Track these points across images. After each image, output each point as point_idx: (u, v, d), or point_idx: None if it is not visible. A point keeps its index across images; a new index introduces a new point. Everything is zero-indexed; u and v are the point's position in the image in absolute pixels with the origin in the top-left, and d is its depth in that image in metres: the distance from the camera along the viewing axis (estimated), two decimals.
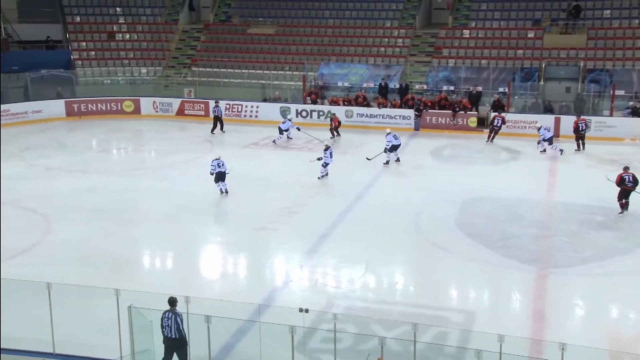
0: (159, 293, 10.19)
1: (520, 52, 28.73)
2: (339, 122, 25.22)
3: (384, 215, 16.65)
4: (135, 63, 32.51)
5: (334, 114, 25.64)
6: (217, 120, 25.90)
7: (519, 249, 14.49)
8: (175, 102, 28.83)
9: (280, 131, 24.24)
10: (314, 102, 27.50)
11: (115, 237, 15.34)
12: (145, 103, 28.78)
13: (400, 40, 30.98)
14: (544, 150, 22.57)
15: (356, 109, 26.96)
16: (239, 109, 28.06)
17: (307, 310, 9.37)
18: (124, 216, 16.71)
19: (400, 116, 26.39)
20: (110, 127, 26.84)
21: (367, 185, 19.16)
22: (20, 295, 11.01)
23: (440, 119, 25.97)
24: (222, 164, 17.90)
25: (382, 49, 30.80)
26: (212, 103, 26.70)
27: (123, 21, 34.31)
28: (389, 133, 21.14)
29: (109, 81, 31.51)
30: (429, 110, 26.10)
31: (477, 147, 24.07)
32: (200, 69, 31.43)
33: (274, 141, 24.18)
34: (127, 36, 33.69)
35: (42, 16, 34.06)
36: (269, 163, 21.83)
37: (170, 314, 9.29)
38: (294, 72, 30.18)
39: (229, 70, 30.96)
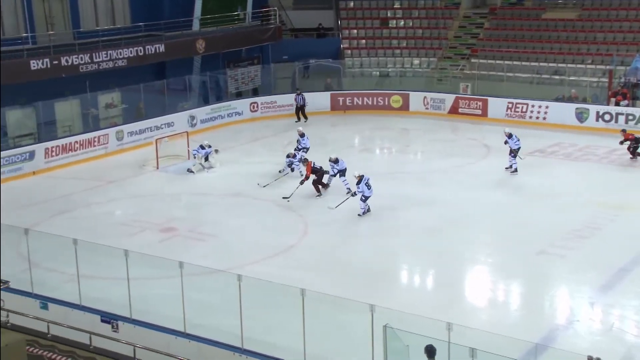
0: (418, 315, 10.30)
1: None
2: (313, 170, 19.50)
3: None
4: (407, 53, 33.54)
5: (306, 159, 20.14)
6: (300, 109, 28.61)
7: None
8: (449, 99, 29.04)
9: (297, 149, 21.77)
10: (618, 104, 25.53)
11: (371, 246, 16.04)
12: (415, 98, 29.46)
13: None
14: (515, 170, 20.76)
15: None
16: (524, 109, 27.23)
17: None
18: (383, 224, 17.33)
19: None
20: (374, 124, 28.01)
21: None
22: (273, 299, 12.01)
23: None
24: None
25: None
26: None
27: (398, 6, 35.63)
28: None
29: (378, 73, 32.92)
30: None
31: None
32: (481, 60, 31.26)
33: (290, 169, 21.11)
34: (402, 23, 34.90)
35: (316, 2, 36.90)
36: (558, 175, 20.90)
37: None
38: (598, 66, 28.51)
39: (514, 62, 30.29)
